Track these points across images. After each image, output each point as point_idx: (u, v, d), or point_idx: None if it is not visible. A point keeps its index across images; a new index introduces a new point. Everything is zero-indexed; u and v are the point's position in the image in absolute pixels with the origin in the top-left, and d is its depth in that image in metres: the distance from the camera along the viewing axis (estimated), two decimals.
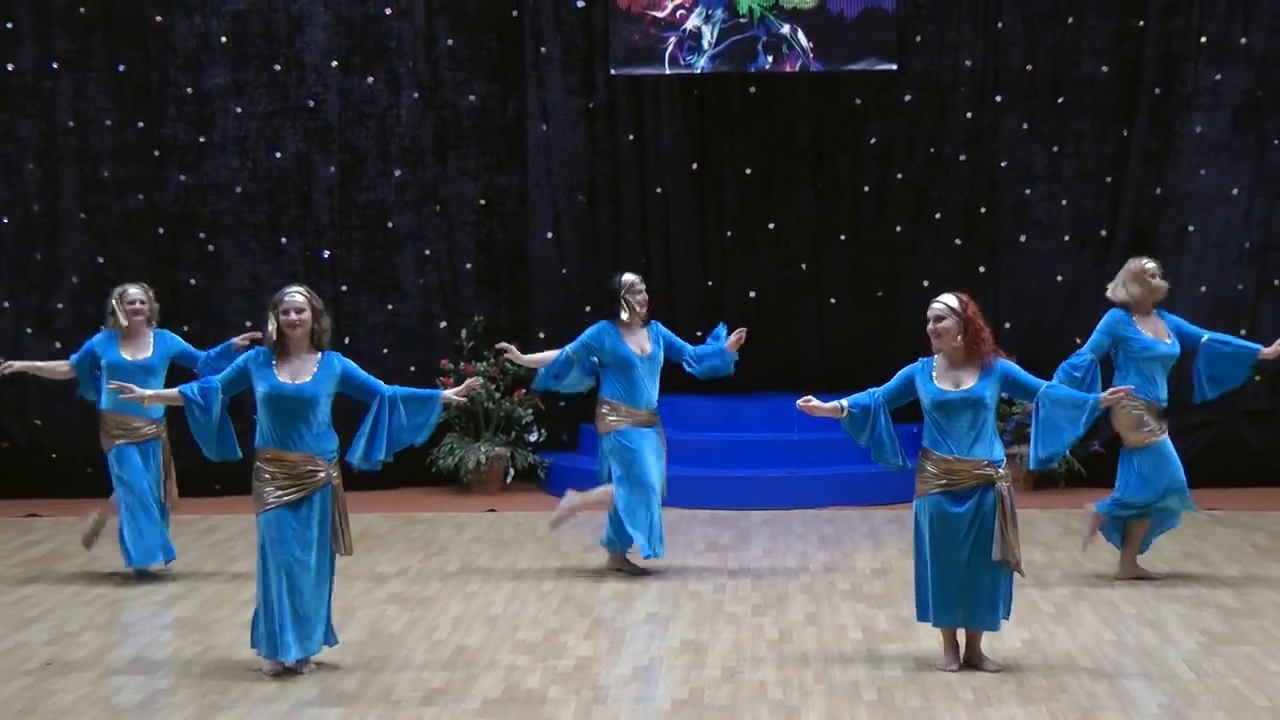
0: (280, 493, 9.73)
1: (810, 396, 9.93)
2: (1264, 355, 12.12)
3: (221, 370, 12.35)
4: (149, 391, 10.45)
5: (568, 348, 12.61)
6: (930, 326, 9.62)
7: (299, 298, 9.81)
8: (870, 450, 10.01)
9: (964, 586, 9.63)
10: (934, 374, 9.63)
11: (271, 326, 9.77)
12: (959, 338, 9.55)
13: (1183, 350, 12.14)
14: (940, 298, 9.73)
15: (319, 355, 9.85)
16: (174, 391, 10.01)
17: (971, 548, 9.58)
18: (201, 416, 9.86)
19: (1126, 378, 11.93)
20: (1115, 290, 12.06)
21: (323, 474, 9.78)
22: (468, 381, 10.34)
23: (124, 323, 12.53)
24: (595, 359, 12.59)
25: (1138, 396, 11.88)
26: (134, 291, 12.65)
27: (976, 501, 9.55)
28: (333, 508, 9.85)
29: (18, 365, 12.87)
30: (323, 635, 9.95)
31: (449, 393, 10.14)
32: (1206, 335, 12.12)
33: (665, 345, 12.66)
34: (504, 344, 12.89)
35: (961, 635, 9.90)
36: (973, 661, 9.83)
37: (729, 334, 12.72)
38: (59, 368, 12.87)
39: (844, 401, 9.89)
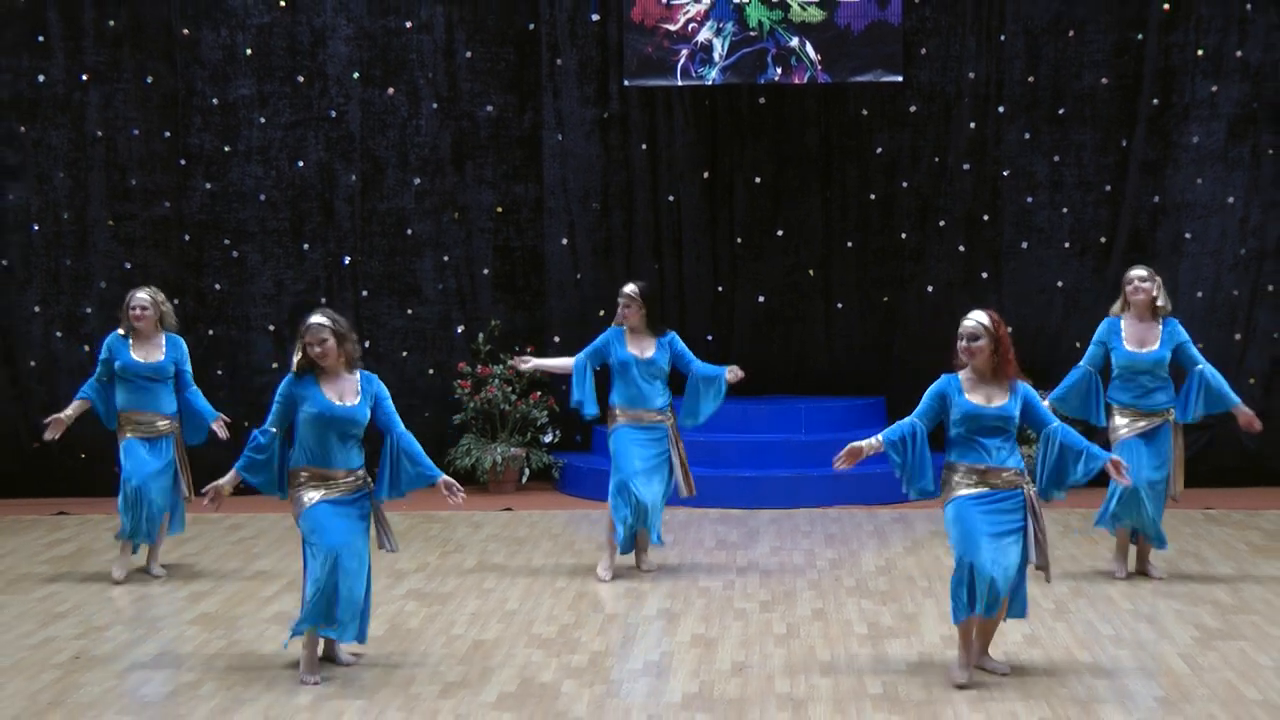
0: (325, 492, 9.79)
1: (852, 446, 9.54)
2: (1237, 411, 12.15)
3: (195, 428, 12.64)
4: (226, 480, 10.05)
5: (581, 354, 12.81)
6: (964, 345, 9.50)
7: (324, 331, 9.72)
8: (907, 476, 9.65)
9: (996, 569, 9.43)
10: (964, 388, 9.53)
11: (299, 357, 9.75)
12: (990, 356, 9.51)
13: (1177, 368, 12.24)
14: (974, 316, 9.59)
15: (358, 376, 9.86)
16: (233, 473, 10.00)
17: (1001, 528, 9.47)
18: (263, 467, 9.94)
19: (1120, 390, 12.19)
20: (1116, 304, 12.33)
21: (362, 482, 9.89)
22: (455, 496, 10.12)
23: (130, 326, 12.64)
24: (605, 362, 12.75)
25: (1130, 408, 12.15)
26: (140, 296, 12.72)
27: (1006, 503, 9.50)
28: (373, 510, 9.95)
29: (64, 417, 12.68)
30: (362, 628, 9.96)
31: (445, 480, 10.01)
32: (1201, 365, 12.14)
33: (674, 355, 12.71)
34: (525, 357, 13.12)
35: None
36: (979, 662, 9.84)
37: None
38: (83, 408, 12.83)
39: (878, 437, 9.60)
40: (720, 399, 12.84)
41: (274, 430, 9.89)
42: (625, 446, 12.63)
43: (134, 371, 12.63)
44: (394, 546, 10.16)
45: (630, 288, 12.74)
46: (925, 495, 9.75)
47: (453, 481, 10.05)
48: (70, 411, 12.73)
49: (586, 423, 16.78)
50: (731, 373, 12.73)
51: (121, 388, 12.71)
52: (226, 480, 9.98)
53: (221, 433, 12.78)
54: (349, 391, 9.81)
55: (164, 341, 12.75)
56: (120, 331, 12.78)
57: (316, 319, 9.81)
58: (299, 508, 9.88)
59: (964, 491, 9.55)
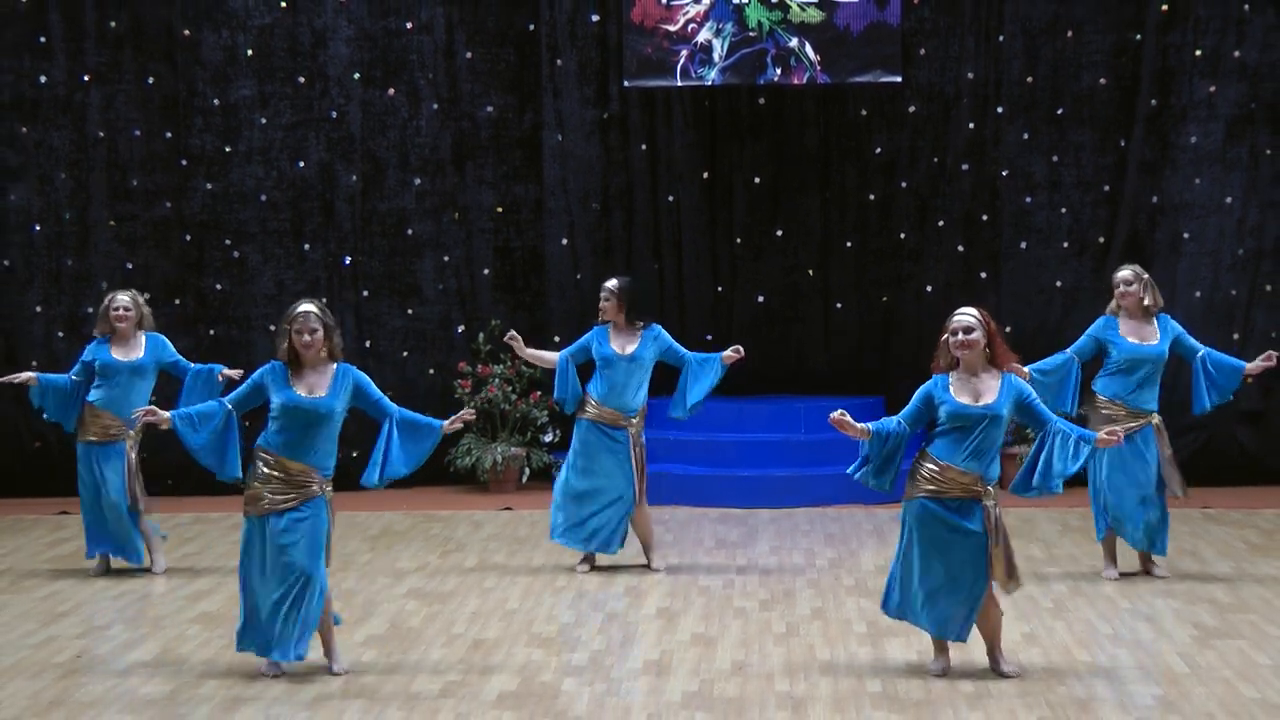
0: (276, 498, 9.72)
1: (844, 412, 9.56)
2: (1248, 371, 12.37)
3: (204, 392, 12.51)
4: (165, 415, 10.05)
5: (564, 351, 12.92)
6: (960, 338, 9.49)
7: (313, 319, 9.71)
8: (872, 468, 9.77)
9: (941, 594, 9.63)
10: (952, 388, 9.54)
11: (284, 344, 9.72)
12: (983, 349, 9.54)
13: (1178, 359, 12.39)
14: (965, 311, 9.62)
15: (334, 367, 9.80)
16: (165, 415, 9.99)
17: (956, 559, 9.56)
18: (197, 434, 9.88)
19: (1111, 381, 12.27)
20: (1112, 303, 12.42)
21: (316, 486, 9.75)
22: (461, 413, 10.13)
23: (111, 328, 12.76)
24: (588, 359, 12.87)
25: (1117, 401, 12.22)
26: (121, 298, 12.83)
27: (963, 515, 9.52)
28: (328, 520, 9.83)
29: (20, 376, 13.01)
30: (306, 642, 9.86)
31: (447, 424, 10.00)
32: (1202, 352, 12.29)
33: (664, 350, 12.81)
34: (513, 333, 13.07)
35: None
36: (993, 664, 9.85)
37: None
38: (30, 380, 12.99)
39: (870, 425, 9.65)
40: (714, 381, 12.85)
41: (229, 406, 9.91)
42: (576, 457, 12.88)
43: (114, 369, 12.75)
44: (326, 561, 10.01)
45: (610, 283, 12.86)
46: (880, 490, 9.92)
47: (454, 422, 10.06)
48: (25, 375, 12.99)
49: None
50: (733, 351, 12.79)
51: (100, 387, 12.83)
52: (163, 416, 10.01)
53: (233, 373, 12.84)
54: (321, 384, 9.77)
55: (143, 341, 12.88)
56: (97, 333, 12.92)
57: (306, 307, 9.82)
58: (250, 507, 9.89)
59: (924, 492, 9.62)
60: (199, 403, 12.25)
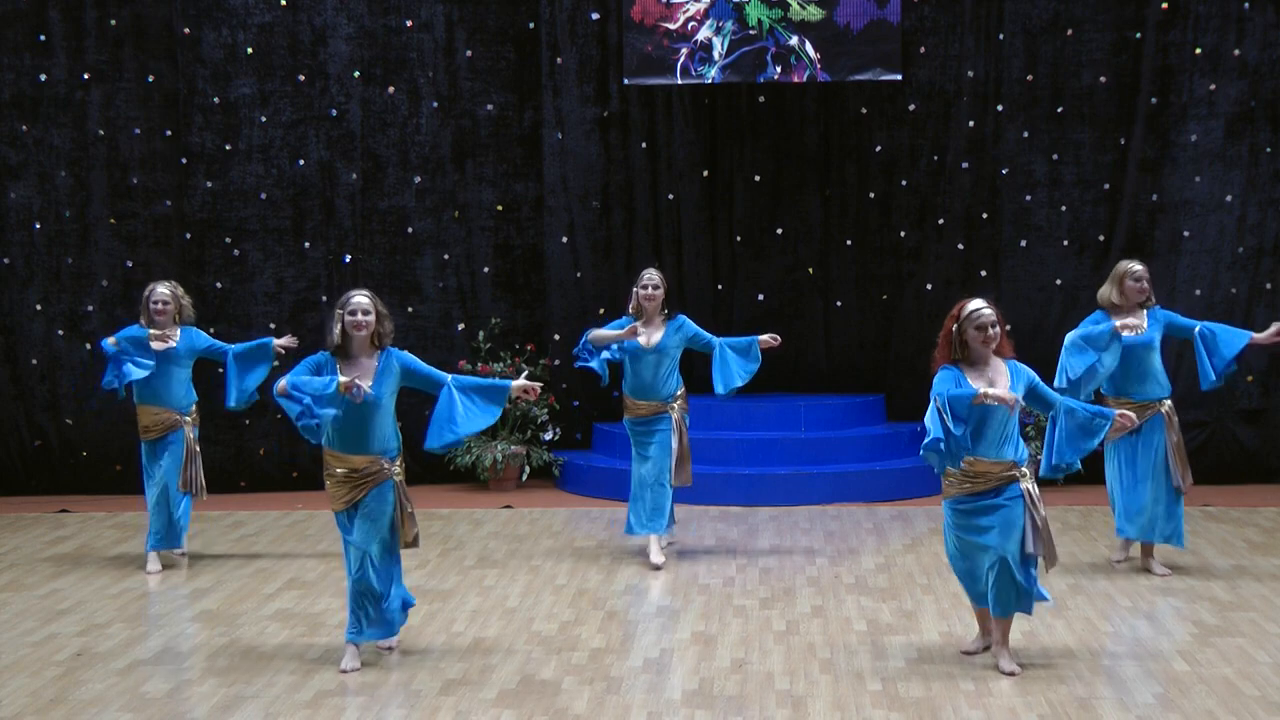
0: (351, 493, 9.95)
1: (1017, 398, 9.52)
2: (1256, 340, 12.35)
3: (259, 363, 12.76)
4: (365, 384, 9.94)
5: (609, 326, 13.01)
6: (990, 332, 9.57)
7: (364, 299, 9.92)
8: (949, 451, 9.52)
9: (995, 571, 9.67)
10: (968, 380, 9.59)
11: (337, 329, 9.89)
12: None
13: (1176, 342, 12.45)
14: (984, 305, 9.71)
15: (378, 355, 9.96)
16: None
17: (999, 541, 9.60)
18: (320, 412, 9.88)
19: (1110, 380, 12.30)
20: (1102, 291, 12.42)
21: (385, 469, 9.96)
22: (530, 385, 10.33)
23: (151, 320, 12.89)
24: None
25: (1123, 397, 12.25)
26: (161, 290, 12.97)
27: (1002, 499, 9.57)
28: (395, 502, 10.05)
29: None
30: (397, 618, 10.23)
31: (518, 383, 10.27)
32: (1199, 326, 12.33)
33: (689, 338, 12.92)
34: (635, 325, 12.97)
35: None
36: (995, 661, 9.89)
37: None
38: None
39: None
40: (753, 364, 12.98)
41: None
42: (633, 449, 13.07)
43: (149, 354, 12.84)
44: (409, 541, 10.19)
45: (654, 274, 12.96)
46: (955, 466, 9.63)
47: (523, 384, 10.29)
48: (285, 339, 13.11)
49: (587, 420, 16.95)
50: (770, 338, 12.93)
51: (139, 381, 12.93)
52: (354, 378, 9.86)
53: (289, 341, 13.02)
54: (366, 375, 9.90)
55: (178, 334, 13.02)
56: (142, 323, 13.02)
57: (359, 292, 10.03)
58: (332, 504, 10.15)
59: (960, 490, 9.68)
60: (255, 371, 12.72)
